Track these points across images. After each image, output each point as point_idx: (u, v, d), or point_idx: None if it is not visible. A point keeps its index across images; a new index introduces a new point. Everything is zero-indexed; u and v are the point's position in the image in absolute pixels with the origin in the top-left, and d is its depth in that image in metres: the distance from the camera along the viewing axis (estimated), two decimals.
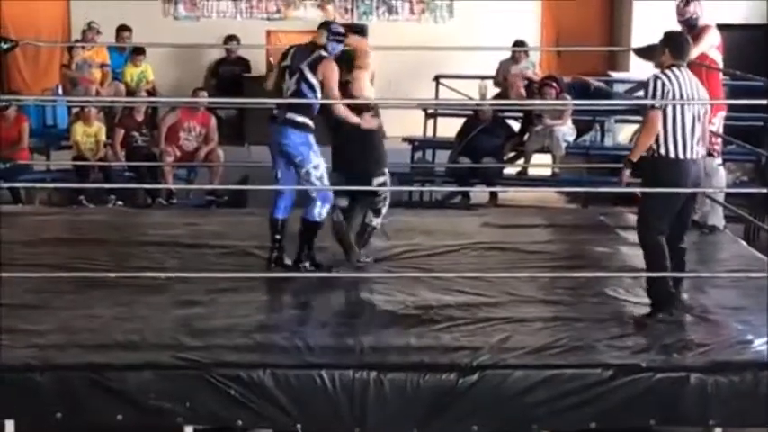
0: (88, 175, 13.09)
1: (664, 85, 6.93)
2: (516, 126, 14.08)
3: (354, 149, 8.06)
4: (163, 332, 6.62)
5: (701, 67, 9.23)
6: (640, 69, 13.37)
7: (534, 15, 16.88)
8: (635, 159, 7.06)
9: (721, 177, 9.47)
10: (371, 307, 7.27)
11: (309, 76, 7.93)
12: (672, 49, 7.14)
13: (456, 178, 13.33)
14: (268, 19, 16.90)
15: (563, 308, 7.24)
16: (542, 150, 13.52)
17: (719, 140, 9.42)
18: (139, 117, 13.56)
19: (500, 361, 6.23)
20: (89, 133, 13.35)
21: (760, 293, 7.15)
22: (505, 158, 13.65)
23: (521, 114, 14.07)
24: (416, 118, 14.37)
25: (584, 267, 8.33)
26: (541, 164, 13.73)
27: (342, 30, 8.30)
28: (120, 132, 13.45)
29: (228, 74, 15.85)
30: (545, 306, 7.31)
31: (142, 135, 13.50)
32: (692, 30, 9.43)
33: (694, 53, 9.25)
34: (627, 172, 7.17)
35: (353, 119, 7.88)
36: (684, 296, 7.42)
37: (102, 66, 14.69)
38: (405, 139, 14.16)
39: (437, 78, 14.67)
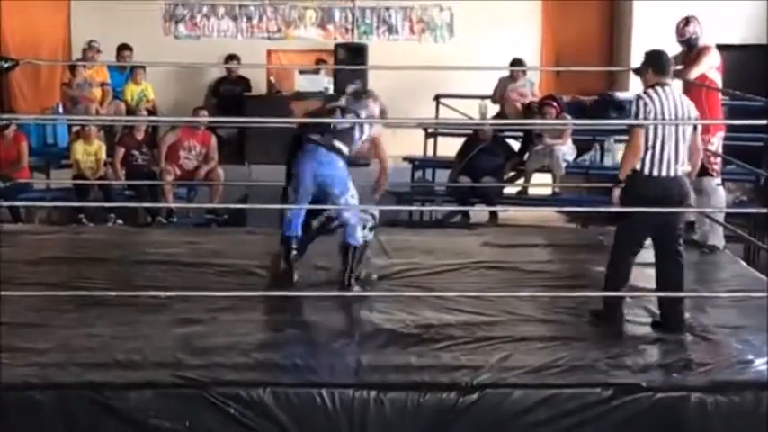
0: (88, 194, 13.09)
1: (645, 104, 7.07)
2: (516, 145, 14.10)
3: None
4: (163, 351, 6.61)
5: (700, 88, 9.26)
6: (640, 89, 13.44)
7: (534, 35, 16.91)
8: (623, 177, 7.16)
9: (721, 197, 9.48)
10: (371, 326, 7.26)
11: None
12: (654, 67, 7.25)
13: (456, 197, 13.34)
14: (269, 38, 16.93)
15: (563, 327, 7.23)
16: (542, 170, 13.54)
17: (719, 160, 9.43)
18: (140, 136, 13.57)
19: (500, 380, 6.23)
20: (89, 152, 13.36)
21: (760, 313, 7.14)
22: (505, 178, 13.66)
23: (521, 134, 14.09)
24: (416, 137, 14.40)
25: (584, 287, 8.31)
26: (541, 183, 13.74)
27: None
28: (121, 151, 13.46)
29: (229, 93, 15.86)
30: (545, 325, 7.30)
31: (142, 154, 13.51)
32: (692, 50, 9.47)
33: (694, 73, 9.31)
34: (617, 191, 7.25)
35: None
36: (686, 315, 7.43)
37: (102, 84, 14.71)
38: (405, 159, 14.18)
39: (437, 98, 14.71)
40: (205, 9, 16.90)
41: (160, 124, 14.34)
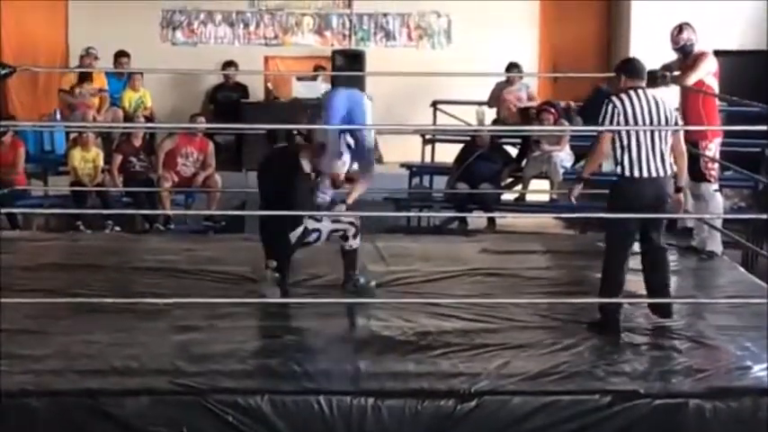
0: (86, 201, 13.08)
1: (614, 107, 7.20)
2: (514, 152, 14.10)
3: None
4: (160, 358, 6.60)
5: (697, 94, 9.27)
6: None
7: (532, 41, 16.93)
8: (585, 176, 7.55)
9: (719, 203, 9.48)
10: (369, 333, 7.25)
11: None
12: (625, 72, 7.39)
13: (454, 204, 13.34)
14: (266, 45, 16.95)
15: (561, 334, 7.21)
16: (540, 176, 13.54)
17: (717, 166, 9.43)
18: (137, 142, 13.55)
19: (498, 387, 6.21)
20: (87, 159, 13.34)
21: (759, 319, 7.14)
22: (503, 184, 13.66)
23: (519, 140, 14.09)
24: (414, 143, 14.41)
25: (582, 293, 8.32)
26: (539, 190, 13.74)
27: None
28: (118, 158, 13.44)
29: (226, 100, 15.87)
30: (543, 332, 7.28)
31: (140, 160, 13.49)
32: (688, 57, 9.47)
33: (691, 79, 9.32)
34: (578, 186, 7.64)
35: None
36: (682, 322, 7.44)
37: (100, 91, 14.70)
38: (402, 165, 14.16)
39: (435, 104, 14.72)
40: (202, 16, 16.91)
41: (157, 131, 14.32)
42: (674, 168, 7.35)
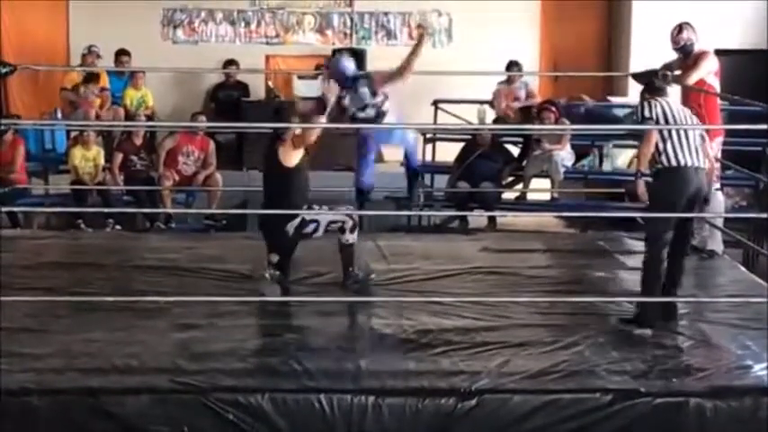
0: (86, 199, 13.07)
1: (656, 105, 7.36)
2: (515, 151, 14.09)
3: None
4: (161, 356, 6.61)
5: (699, 93, 9.26)
6: (638, 94, 13.44)
7: (533, 40, 16.92)
8: (643, 168, 7.43)
9: (720, 202, 9.48)
10: (370, 331, 7.26)
11: None
12: (649, 92, 7.65)
13: (455, 203, 13.33)
14: (267, 44, 16.93)
15: (562, 332, 7.21)
16: (541, 175, 13.53)
17: (718, 165, 9.43)
18: (138, 141, 13.55)
19: (499, 386, 6.22)
20: (88, 157, 13.34)
21: (759, 318, 7.14)
22: (504, 183, 13.66)
23: (520, 139, 14.08)
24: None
25: (583, 292, 8.32)
26: (540, 188, 13.74)
27: None
28: (119, 156, 13.44)
29: (227, 98, 15.85)
30: (544, 331, 7.29)
31: (141, 159, 13.49)
32: (688, 56, 9.47)
33: (692, 79, 9.31)
34: (641, 182, 7.49)
35: None
36: (683, 321, 7.44)
37: (101, 89, 14.68)
38: (403, 164, 14.13)
39: (435, 103, 14.70)
40: (203, 14, 16.90)
41: (158, 129, 14.32)
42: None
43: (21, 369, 6.29)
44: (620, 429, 6.11)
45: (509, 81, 14.42)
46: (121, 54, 14.93)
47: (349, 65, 9.27)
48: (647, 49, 13.74)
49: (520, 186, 13.84)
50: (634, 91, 13.95)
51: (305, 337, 7.19)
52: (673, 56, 9.72)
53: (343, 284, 8.16)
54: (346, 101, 8.98)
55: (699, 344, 7.05)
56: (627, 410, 6.11)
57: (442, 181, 13.83)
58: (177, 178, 13.12)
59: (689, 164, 7.24)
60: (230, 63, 15.79)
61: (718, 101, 9.65)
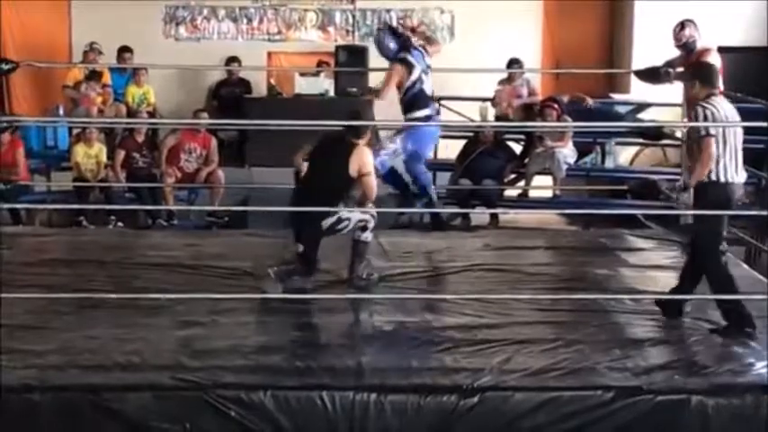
0: (88, 196, 13.08)
1: (713, 114, 7.09)
2: (517, 148, 14.09)
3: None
4: (163, 353, 6.61)
5: None
6: (641, 91, 13.45)
7: (535, 37, 16.90)
8: (692, 185, 7.23)
9: None
10: (372, 328, 7.26)
11: None
12: (700, 79, 7.32)
13: (457, 200, 13.33)
14: (269, 40, 16.92)
15: (564, 330, 7.22)
16: (543, 172, 13.53)
17: None
18: (140, 138, 13.56)
19: (501, 383, 6.22)
20: (90, 154, 13.35)
21: (761, 316, 7.13)
22: (506, 180, 13.66)
23: (522, 136, 14.08)
24: None
25: (585, 289, 8.31)
26: (542, 186, 13.74)
27: None
28: (121, 153, 13.45)
29: (229, 95, 15.83)
30: (546, 328, 7.29)
31: (143, 156, 13.51)
32: (691, 53, 9.47)
33: None
34: (686, 195, 7.41)
35: None
36: (684, 318, 7.45)
37: (103, 86, 14.68)
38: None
39: (438, 100, 14.68)
40: (205, 11, 16.89)
41: (160, 127, 14.32)
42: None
43: (22, 366, 6.29)
44: (622, 427, 6.11)
45: (510, 79, 14.41)
46: (124, 51, 14.95)
47: (391, 43, 9.67)
48: (650, 46, 13.72)
49: (522, 184, 13.84)
50: (636, 88, 14.04)
51: (307, 334, 7.19)
52: (675, 53, 9.71)
53: (348, 281, 8.15)
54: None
55: (700, 341, 7.04)
56: (628, 408, 6.10)
57: (444, 178, 13.83)
58: (179, 175, 13.13)
59: (736, 180, 7.19)
60: (232, 60, 15.76)
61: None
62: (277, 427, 6.03)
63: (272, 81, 15.68)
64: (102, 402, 6.01)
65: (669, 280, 8.19)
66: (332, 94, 14.35)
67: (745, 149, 9.04)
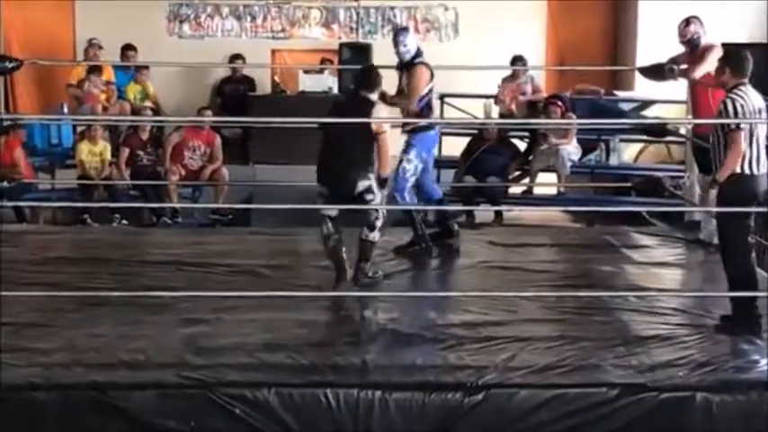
0: (93, 194, 13.09)
1: (743, 105, 7.03)
2: (522, 145, 14.08)
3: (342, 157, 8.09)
4: (167, 351, 6.61)
5: (706, 86, 9.24)
6: (645, 88, 13.44)
7: (539, 35, 16.90)
8: (721, 180, 7.09)
9: None
10: (376, 326, 7.25)
11: None
12: (732, 67, 7.20)
13: (461, 197, 13.32)
14: (273, 38, 16.94)
15: (568, 327, 7.21)
16: (547, 169, 13.52)
17: None
18: (144, 136, 13.57)
19: (505, 380, 6.21)
20: (94, 152, 13.36)
21: (766, 313, 7.13)
22: (510, 177, 13.65)
23: (526, 134, 14.07)
24: None
25: (590, 286, 8.31)
26: (546, 183, 13.73)
27: None
28: (126, 151, 13.46)
29: (233, 93, 15.84)
30: (550, 325, 7.28)
31: (147, 154, 13.51)
32: (695, 50, 9.45)
33: (699, 72, 9.30)
34: (714, 191, 7.18)
35: None
36: (689, 315, 7.44)
37: (107, 83, 14.68)
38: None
39: (442, 97, 14.67)
40: (209, 9, 16.91)
41: (165, 124, 14.32)
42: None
43: (27, 364, 6.29)
44: (627, 424, 6.10)
45: (514, 76, 14.41)
46: (127, 49, 14.95)
47: (412, 44, 9.57)
48: (653, 43, 13.71)
49: (526, 181, 13.83)
50: (640, 85, 14.03)
51: (311, 331, 7.18)
52: (678, 50, 9.70)
53: (353, 279, 8.15)
54: None
55: (705, 338, 7.03)
56: (633, 405, 6.10)
57: (448, 175, 13.82)
58: (183, 173, 13.14)
59: (762, 171, 7.10)
60: (236, 58, 15.77)
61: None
62: (282, 424, 6.03)
63: (276, 78, 15.70)
64: (108, 400, 6.01)
65: (673, 277, 8.19)
66: (336, 91, 14.34)
67: None
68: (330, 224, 8.07)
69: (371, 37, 16.71)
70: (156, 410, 6.02)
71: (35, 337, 6.77)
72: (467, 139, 13.86)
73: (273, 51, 16.72)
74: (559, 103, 13.46)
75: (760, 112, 7.12)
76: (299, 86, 14.99)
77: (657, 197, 11.62)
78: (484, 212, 13.37)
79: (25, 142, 14.16)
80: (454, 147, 14.20)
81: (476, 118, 14.23)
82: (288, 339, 6.90)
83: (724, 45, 9.63)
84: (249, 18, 16.96)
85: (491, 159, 13.28)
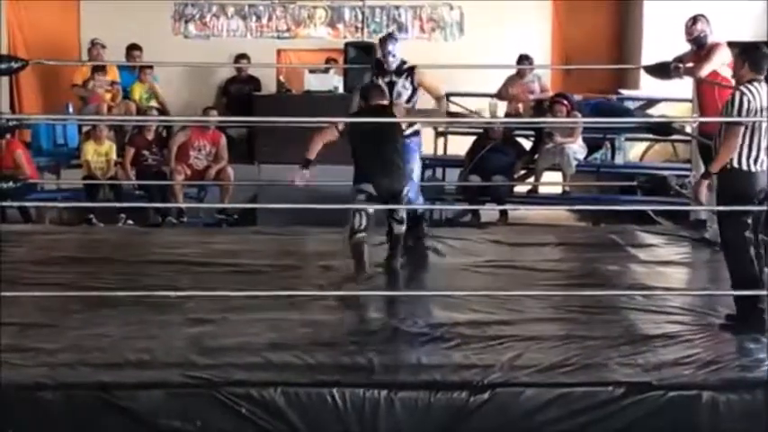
0: (98, 194, 13.10)
1: (749, 101, 7.00)
2: (527, 144, 14.07)
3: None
4: (173, 351, 6.61)
5: (712, 85, 9.23)
6: (651, 87, 13.43)
7: (545, 33, 16.89)
8: (714, 171, 7.10)
9: None
10: (382, 325, 7.25)
11: None
12: (750, 62, 7.17)
13: (466, 196, 13.32)
14: (278, 38, 16.94)
15: (574, 326, 7.21)
16: (553, 168, 13.51)
17: None
18: (150, 136, 13.58)
19: (511, 379, 6.21)
20: (100, 152, 13.36)
21: None
22: (516, 176, 13.64)
23: (532, 132, 14.06)
24: (427, 136, 14.34)
25: (595, 285, 8.31)
26: (552, 182, 13.72)
27: None
28: (131, 151, 13.47)
29: (239, 92, 15.84)
30: (556, 324, 7.28)
31: (152, 154, 13.52)
32: (702, 48, 9.45)
33: (705, 70, 9.29)
34: (705, 183, 7.20)
35: None
36: (695, 314, 7.43)
37: (111, 83, 14.69)
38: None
39: (447, 96, 14.67)
40: (214, 8, 16.92)
41: (170, 124, 14.33)
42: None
43: (33, 364, 6.30)
44: (633, 423, 6.10)
45: (520, 75, 14.40)
46: (133, 49, 14.94)
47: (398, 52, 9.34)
48: (659, 41, 13.71)
49: (532, 180, 13.82)
50: (646, 84, 14.03)
51: (317, 330, 7.18)
52: (684, 48, 9.69)
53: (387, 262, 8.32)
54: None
55: (711, 336, 7.03)
56: (639, 404, 6.09)
57: (453, 174, 13.83)
58: (189, 173, 13.14)
59: (759, 169, 7.08)
60: (242, 57, 15.77)
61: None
62: (288, 424, 6.03)
63: (282, 78, 15.70)
64: (113, 400, 6.01)
65: (679, 276, 8.19)
66: (341, 90, 14.33)
67: None
68: (365, 220, 8.10)
69: (377, 36, 16.70)
70: (162, 410, 6.02)
71: (41, 337, 6.78)
72: (472, 138, 13.85)
73: (279, 51, 16.73)
74: (565, 102, 13.45)
75: (765, 110, 7.09)
76: (304, 86, 14.99)
77: (663, 196, 11.60)
78: (489, 211, 13.36)
79: (31, 142, 14.20)
80: (459, 146, 14.21)
81: (481, 117, 14.20)
82: (294, 339, 6.90)
83: (731, 44, 9.63)
84: (254, 18, 16.97)
85: (496, 158, 13.27)
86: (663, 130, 11.20)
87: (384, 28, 16.88)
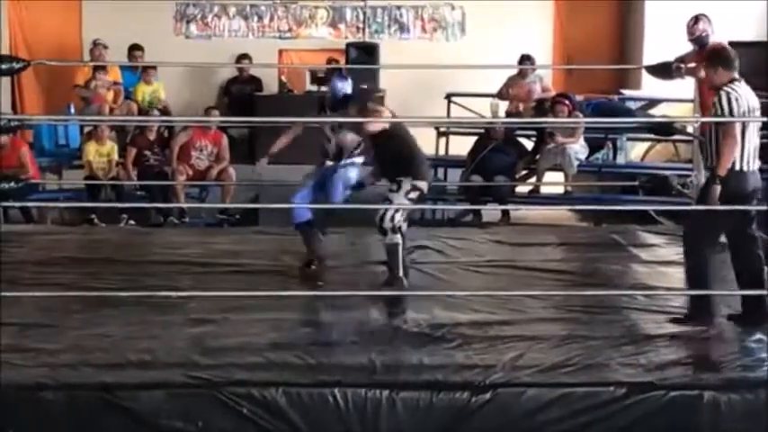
0: (100, 194, 13.10)
1: (737, 99, 7.00)
2: (529, 144, 14.07)
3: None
4: (175, 351, 6.61)
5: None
6: (652, 87, 13.43)
7: (546, 34, 16.89)
8: (722, 174, 7.02)
9: None
10: (384, 325, 7.25)
11: None
12: (722, 65, 7.16)
13: (468, 196, 13.32)
14: (280, 38, 16.94)
15: (576, 326, 7.21)
16: (554, 168, 13.51)
17: None
18: (151, 136, 13.59)
19: (513, 379, 6.20)
20: (102, 152, 13.38)
21: None
22: (517, 176, 13.64)
23: (533, 132, 14.06)
24: (428, 136, 14.37)
25: (597, 285, 8.31)
26: (553, 182, 13.72)
27: None
28: (133, 151, 13.48)
29: (240, 93, 15.85)
30: (558, 324, 7.27)
31: (154, 154, 13.53)
32: (703, 48, 9.45)
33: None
34: (717, 189, 7.06)
35: None
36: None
37: (113, 83, 14.69)
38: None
39: (449, 96, 14.69)
40: (216, 9, 16.92)
41: (171, 124, 14.34)
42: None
43: (35, 364, 6.30)
44: (635, 423, 6.09)
45: (522, 75, 14.40)
46: (134, 49, 14.96)
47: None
48: (661, 42, 13.71)
49: (533, 180, 13.82)
50: (648, 84, 14.02)
51: (318, 330, 7.18)
52: (686, 48, 9.69)
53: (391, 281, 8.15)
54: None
55: (713, 336, 7.02)
56: (641, 404, 6.09)
57: (455, 175, 13.83)
58: (190, 173, 13.15)
59: (749, 168, 7.09)
60: (243, 57, 15.78)
61: None
62: (289, 424, 6.02)
63: (283, 78, 15.70)
64: (115, 400, 6.01)
65: (681, 275, 8.17)
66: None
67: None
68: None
69: (378, 37, 16.72)
70: (164, 410, 6.02)
71: (42, 337, 6.78)
72: (473, 139, 13.85)
73: (280, 51, 16.72)
74: (566, 102, 13.45)
75: (753, 111, 7.09)
76: (305, 86, 14.99)
77: (665, 196, 11.59)
78: (491, 211, 13.36)
79: (32, 143, 14.20)
80: (461, 146, 14.21)
81: (482, 117, 14.21)
82: (295, 339, 6.90)
83: (730, 44, 9.63)
84: (256, 18, 16.97)
85: (498, 158, 13.27)
86: (664, 130, 11.21)
87: (385, 28, 16.89)
